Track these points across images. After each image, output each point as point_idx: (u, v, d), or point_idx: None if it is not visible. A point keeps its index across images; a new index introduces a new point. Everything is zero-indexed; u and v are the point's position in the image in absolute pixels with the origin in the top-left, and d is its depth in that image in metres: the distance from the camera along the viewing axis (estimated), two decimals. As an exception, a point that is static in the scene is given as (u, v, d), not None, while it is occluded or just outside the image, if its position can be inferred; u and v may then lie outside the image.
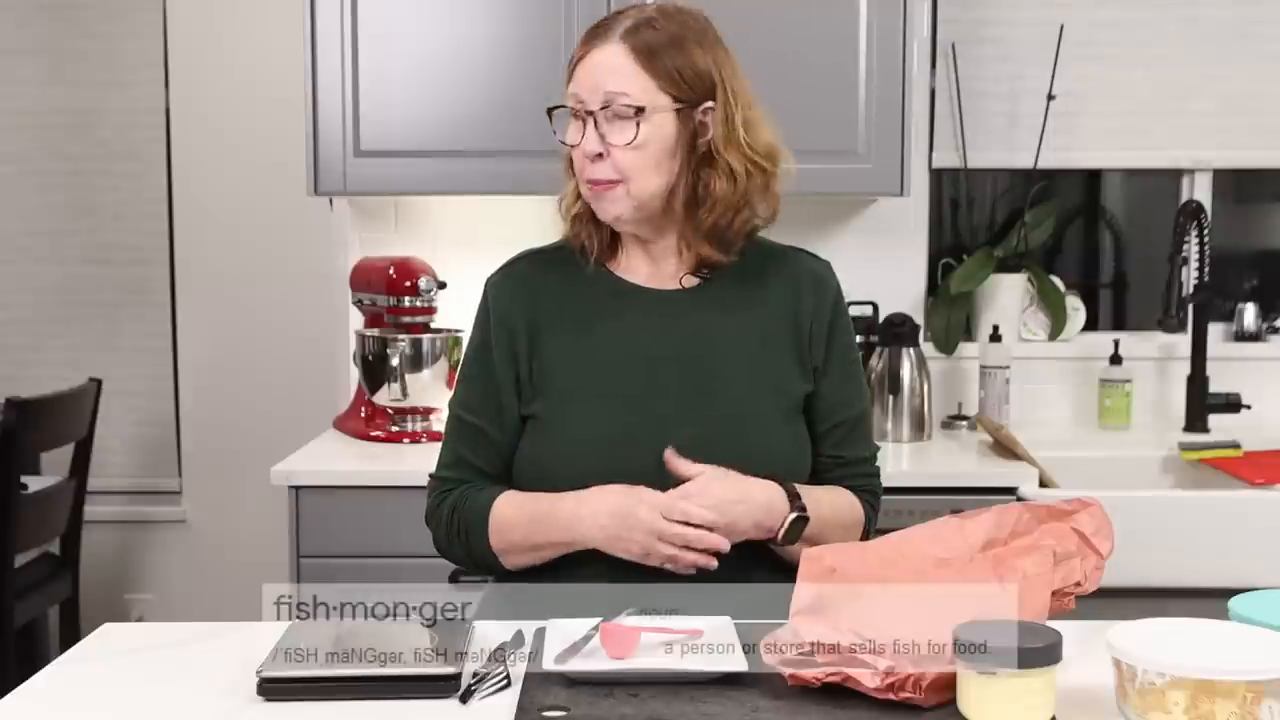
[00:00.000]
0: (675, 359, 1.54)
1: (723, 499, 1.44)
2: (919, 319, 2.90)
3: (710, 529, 1.42)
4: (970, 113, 3.00)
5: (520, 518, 1.51)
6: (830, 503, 1.55)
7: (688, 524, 1.42)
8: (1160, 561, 2.31)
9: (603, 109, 1.49)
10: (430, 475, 1.63)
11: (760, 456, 1.51)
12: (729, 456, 1.49)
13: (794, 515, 1.48)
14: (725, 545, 1.43)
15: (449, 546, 1.58)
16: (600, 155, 1.49)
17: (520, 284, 1.60)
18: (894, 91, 2.62)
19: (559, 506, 1.48)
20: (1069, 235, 3.22)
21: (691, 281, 1.58)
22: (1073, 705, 1.19)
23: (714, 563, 1.43)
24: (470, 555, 1.56)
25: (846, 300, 1.67)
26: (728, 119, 1.53)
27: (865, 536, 1.61)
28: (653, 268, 1.59)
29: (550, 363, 1.55)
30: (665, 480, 1.48)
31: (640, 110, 1.48)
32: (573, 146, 1.51)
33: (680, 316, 1.56)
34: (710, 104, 1.51)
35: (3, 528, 3.02)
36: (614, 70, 1.49)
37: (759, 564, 1.52)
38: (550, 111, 1.55)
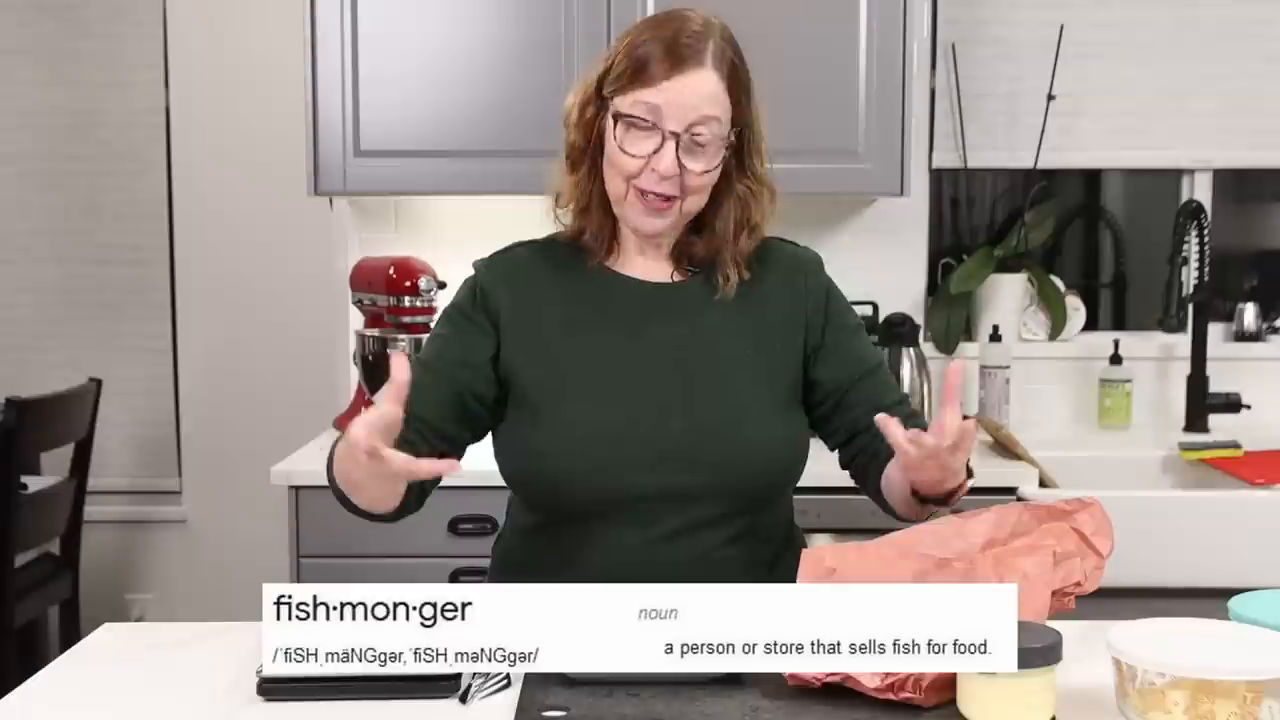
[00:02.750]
0: (670, 351, 1.54)
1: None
2: (919, 319, 2.90)
3: None
4: (970, 113, 3.00)
5: (342, 447, 1.43)
6: None
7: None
8: (1160, 561, 2.31)
9: (692, 134, 1.47)
10: None
11: (756, 446, 1.51)
12: (725, 446, 1.49)
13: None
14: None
15: (331, 482, 1.49)
16: (672, 176, 1.48)
17: (507, 270, 1.59)
18: (894, 91, 2.62)
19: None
20: (1069, 235, 3.23)
21: (681, 277, 1.59)
22: (1073, 705, 1.19)
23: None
24: (335, 489, 1.47)
25: (846, 300, 1.67)
26: (754, 147, 1.56)
27: None
28: (649, 267, 1.59)
29: (540, 353, 1.55)
30: (662, 472, 1.48)
31: (727, 141, 1.50)
32: (634, 156, 1.47)
33: (675, 309, 1.56)
34: (739, 131, 1.53)
35: (3, 528, 3.02)
36: (710, 98, 1.48)
37: (748, 560, 1.52)
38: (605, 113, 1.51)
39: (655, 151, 1.47)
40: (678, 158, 1.47)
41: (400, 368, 1.30)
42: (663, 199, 1.49)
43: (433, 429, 1.50)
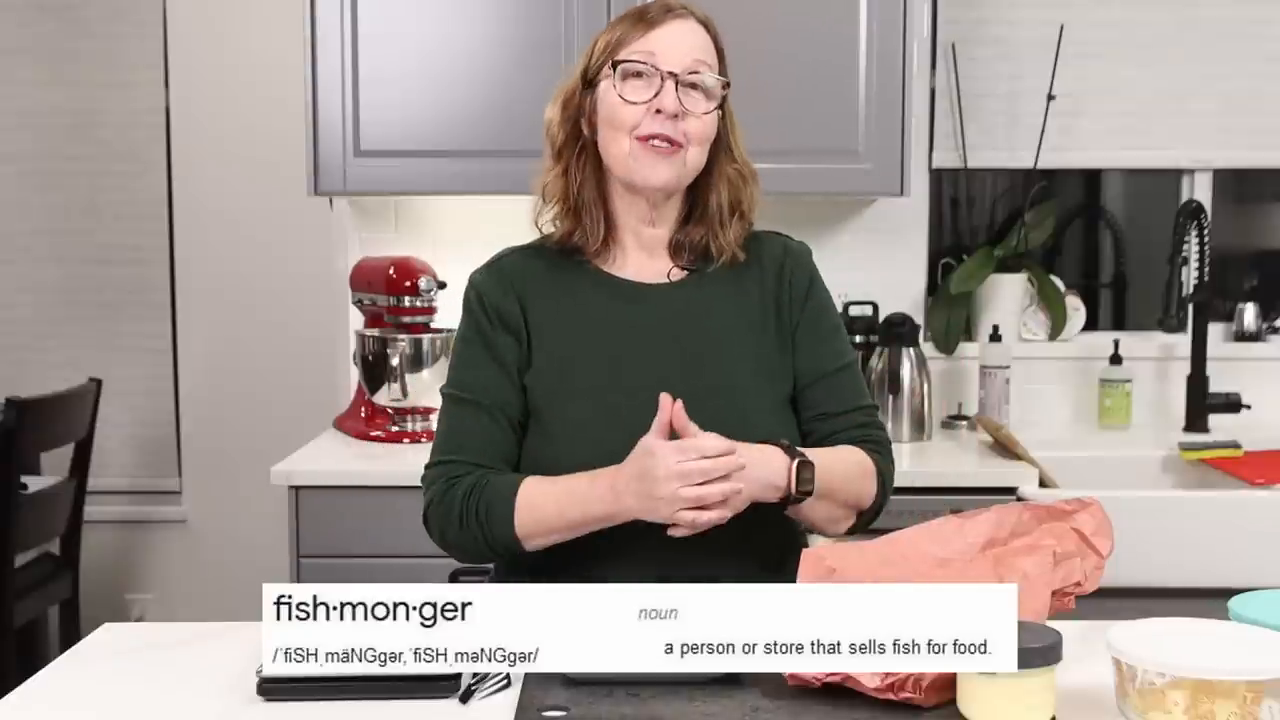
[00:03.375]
0: (669, 351, 1.55)
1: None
2: (919, 319, 2.90)
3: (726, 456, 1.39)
4: (970, 113, 3.00)
5: (553, 496, 1.48)
6: (829, 454, 1.52)
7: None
8: (1160, 561, 2.31)
9: (689, 74, 1.52)
10: (428, 466, 1.59)
11: (754, 431, 1.51)
12: (724, 434, 1.49)
13: (797, 461, 1.44)
14: (740, 486, 1.39)
15: (461, 532, 1.52)
16: (675, 116, 1.51)
17: (508, 278, 1.60)
18: (894, 91, 2.62)
19: (597, 484, 1.45)
20: (1069, 235, 3.22)
21: (679, 275, 1.59)
22: (1073, 705, 1.19)
23: (726, 514, 1.40)
24: (485, 539, 1.51)
25: (847, 300, 1.67)
26: (734, 131, 1.59)
27: (883, 484, 1.57)
28: (642, 264, 1.59)
29: (542, 357, 1.55)
30: None
31: (723, 85, 1.54)
32: (635, 102, 1.51)
33: (672, 309, 1.57)
34: (727, 99, 1.57)
35: (3, 528, 3.02)
36: (701, 46, 1.54)
37: (763, 565, 1.52)
38: (596, 69, 1.55)
39: (656, 94, 1.51)
40: (678, 98, 1.51)
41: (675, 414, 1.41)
42: (669, 143, 1.52)
43: (504, 460, 1.55)
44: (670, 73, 1.51)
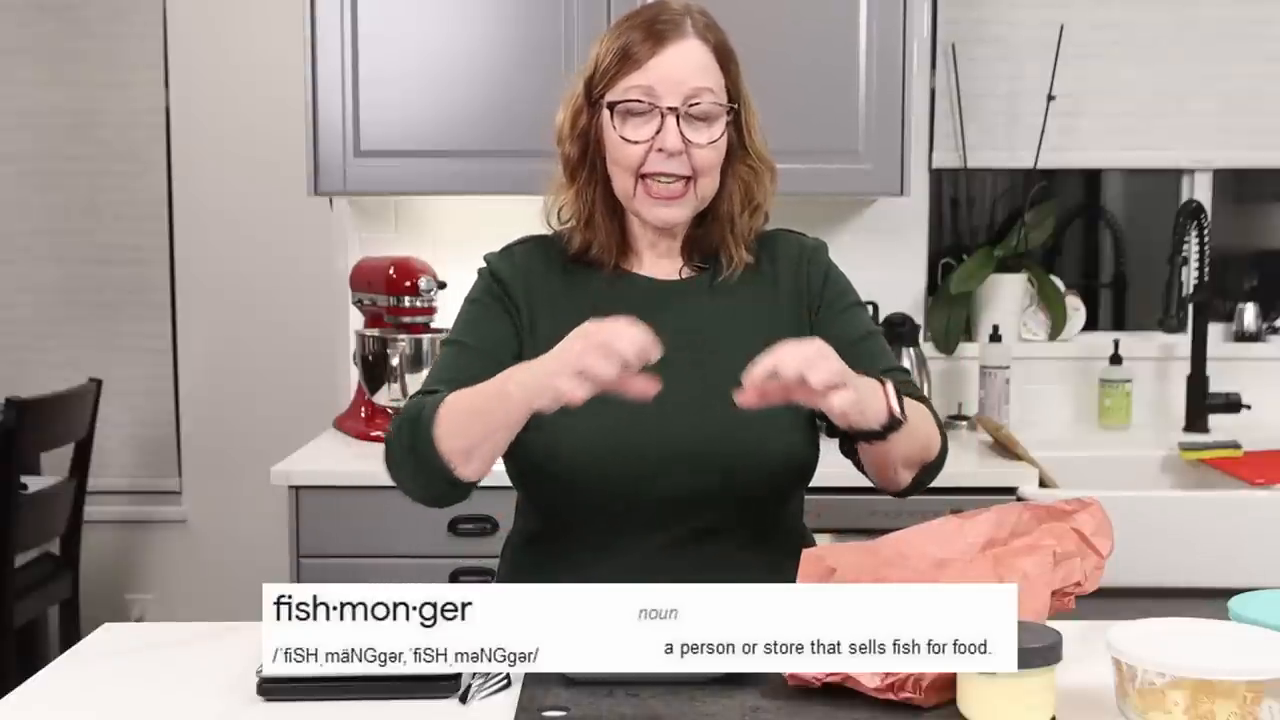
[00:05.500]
0: (679, 345, 1.53)
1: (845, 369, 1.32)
2: (919, 319, 2.90)
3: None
4: (970, 113, 3.00)
5: (465, 394, 1.41)
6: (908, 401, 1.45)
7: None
8: (1160, 561, 2.31)
9: (689, 105, 1.47)
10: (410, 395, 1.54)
11: (768, 439, 1.50)
12: (733, 447, 1.48)
13: (889, 384, 1.38)
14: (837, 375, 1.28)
15: (395, 445, 1.45)
16: (679, 152, 1.47)
17: (520, 265, 1.59)
18: (894, 91, 2.62)
19: (501, 375, 1.39)
20: (1069, 235, 3.23)
21: (689, 273, 1.59)
22: (1073, 705, 1.19)
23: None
24: (414, 452, 1.42)
25: (846, 280, 1.67)
26: (748, 123, 1.55)
27: (943, 436, 1.53)
28: (659, 263, 1.59)
29: (544, 347, 1.54)
30: (671, 475, 1.47)
31: (727, 109, 1.49)
32: (636, 142, 1.47)
33: (686, 305, 1.56)
34: (736, 107, 1.53)
35: (3, 528, 3.02)
36: (701, 67, 1.48)
37: (758, 565, 1.52)
38: (595, 106, 1.51)
39: (657, 132, 1.47)
40: (681, 132, 1.46)
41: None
42: (675, 185, 1.49)
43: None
44: (670, 108, 1.46)
